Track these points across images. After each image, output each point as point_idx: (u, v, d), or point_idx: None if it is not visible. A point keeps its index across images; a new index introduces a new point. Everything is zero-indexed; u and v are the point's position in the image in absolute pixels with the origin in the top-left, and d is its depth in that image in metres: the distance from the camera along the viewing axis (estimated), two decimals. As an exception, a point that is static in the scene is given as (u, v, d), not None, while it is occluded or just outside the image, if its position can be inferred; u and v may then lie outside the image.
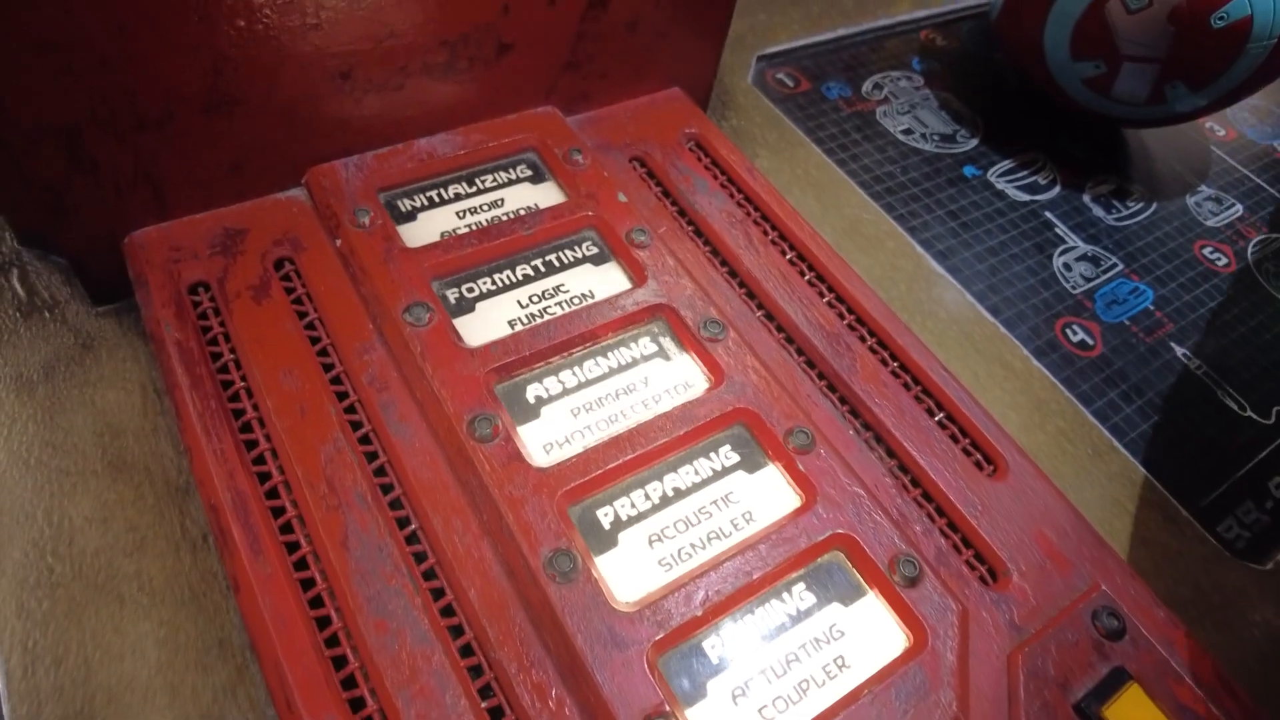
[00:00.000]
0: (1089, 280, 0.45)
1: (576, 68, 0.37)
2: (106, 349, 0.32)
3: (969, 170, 0.49)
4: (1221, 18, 0.43)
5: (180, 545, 0.27)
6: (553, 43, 0.36)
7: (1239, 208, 0.52)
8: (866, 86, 0.52)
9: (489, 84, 0.35)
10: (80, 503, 0.28)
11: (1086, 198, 0.50)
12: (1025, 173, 0.50)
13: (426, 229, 0.33)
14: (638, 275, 0.33)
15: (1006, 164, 0.50)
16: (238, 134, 0.31)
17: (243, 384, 0.28)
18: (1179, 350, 0.43)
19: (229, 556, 0.24)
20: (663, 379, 0.31)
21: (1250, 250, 0.50)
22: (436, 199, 0.34)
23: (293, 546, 0.25)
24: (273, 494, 0.26)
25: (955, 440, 0.31)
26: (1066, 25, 0.47)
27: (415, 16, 0.31)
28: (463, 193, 0.35)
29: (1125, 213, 0.50)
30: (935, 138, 0.50)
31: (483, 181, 0.35)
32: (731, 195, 0.38)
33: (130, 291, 0.32)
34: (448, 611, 0.25)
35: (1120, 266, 0.46)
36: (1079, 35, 0.47)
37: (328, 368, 0.29)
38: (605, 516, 0.27)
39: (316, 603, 0.24)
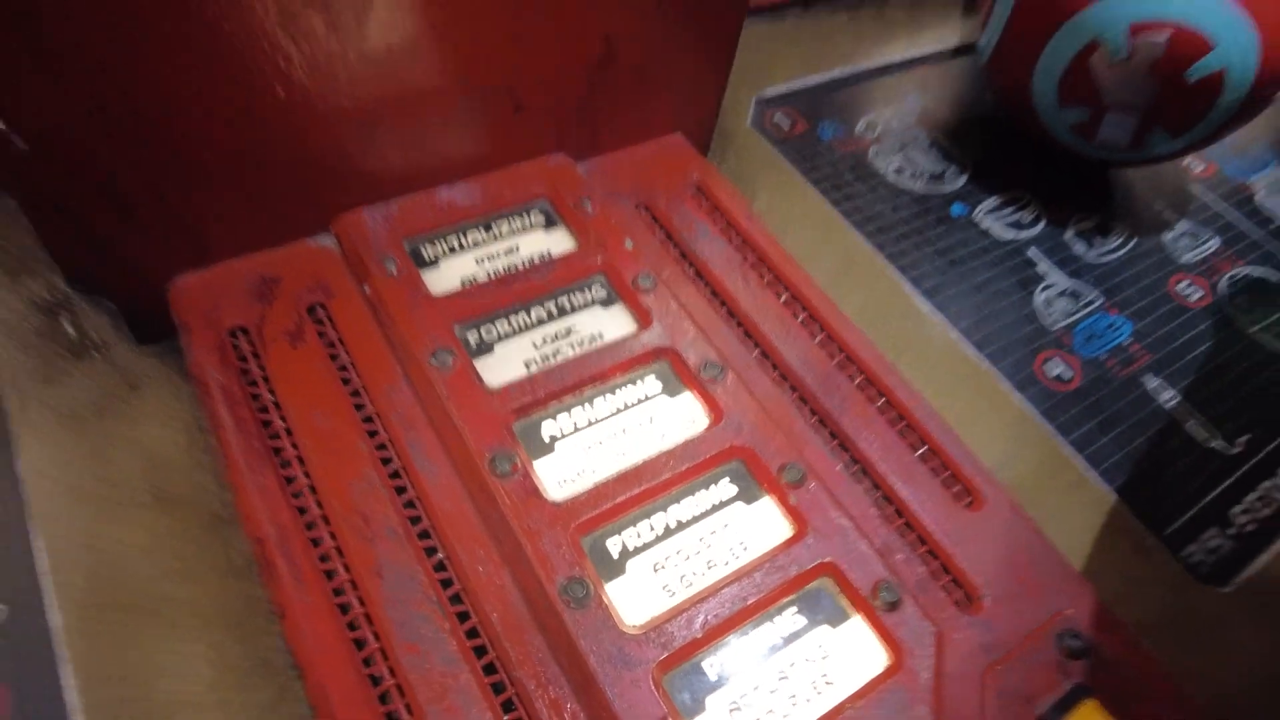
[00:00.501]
0: (1069, 315, 0.48)
1: (587, 118, 0.40)
2: (152, 388, 0.34)
3: (956, 208, 0.52)
4: (1198, 70, 0.46)
5: (225, 573, 0.30)
6: (565, 97, 0.38)
7: (1214, 243, 0.55)
8: (860, 126, 0.55)
9: (505, 135, 0.38)
10: (132, 533, 0.30)
11: (1069, 234, 0.53)
12: (1010, 210, 0.53)
13: (448, 275, 0.36)
14: (643, 318, 0.35)
15: (992, 202, 0.53)
16: (271, 185, 0.34)
17: (281, 424, 0.31)
18: (1153, 382, 0.46)
19: (274, 586, 0.27)
20: (667, 416, 0.33)
21: (1223, 284, 0.52)
22: (457, 245, 0.37)
23: (331, 575, 0.27)
24: (311, 527, 0.28)
25: (936, 473, 0.34)
26: (1054, 74, 0.49)
27: (437, 78, 0.34)
28: (481, 239, 0.37)
29: (1105, 249, 0.53)
30: (925, 176, 0.53)
31: (499, 228, 0.38)
32: (730, 240, 0.40)
33: (173, 331, 0.34)
34: (472, 634, 0.27)
35: (1099, 302, 0.49)
36: (1065, 84, 0.49)
37: (359, 408, 0.31)
38: (614, 546, 0.29)
39: (354, 627, 0.27)
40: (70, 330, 0.36)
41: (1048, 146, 0.54)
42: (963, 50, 0.64)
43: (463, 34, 0.33)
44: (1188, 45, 0.45)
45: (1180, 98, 0.47)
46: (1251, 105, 0.47)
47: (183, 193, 0.32)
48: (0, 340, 0.35)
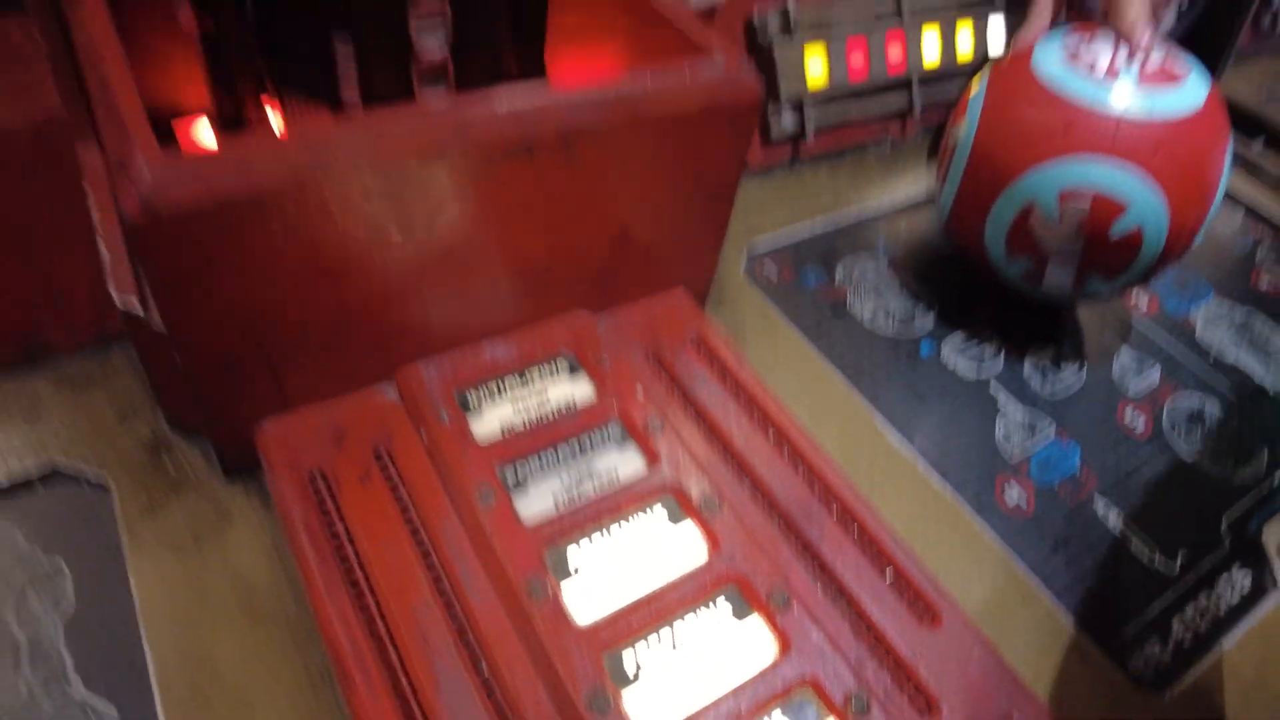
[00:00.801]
0: (1025, 446, 0.54)
1: (603, 281, 0.47)
2: (240, 517, 0.41)
3: (925, 347, 0.59)
4: (1119, 228, 0.54)
5: (305, 682, 0.35)
6: (587, 267, 0.46)
7: (1157, 374, 0.62)
8: (839, 274, 0.63)
9: (537, 298, 0.46)
10: (226, 646, 0.36)
11: (1026, 369, 0.60)
12: (973, 347, 0.60)
13: (490, 420, 0.43)
14: (652, 458, 0.42)
15: (957, 340, 0.60)
16: (347, 347, 0.41)
17: (353, 553, 0.37)
18: (1101, 506, 0.52)
19: (351, 695, 0.33)
20: (672, 545, 0.39)
21: (1165, 413, 0.59)
22: (497, 393, 0.44)
23: (397, 686, 0.33)
24: (380, 643, 0.34)
25: (902, 594, 0.40)
26: (1001, 231, 0.58)
27: (487, 262, 0.42)
28: (517, 387, 0.44)
29: (1059, 382, 0.59)
30: (896, 319, 0.60)
31: (532, 377, 0.45)
32: (725, 385, 0.47)
33: (257, 466, 0.41)
34: (512, 737, 0.33)
35: (1053, 432, 0.56)
36: (1011, 240, 0.57)
37: (418, 539, 0.38)
38: (629, 662, 0.35)
39: (416, 730, 0.32)
40: (170, 467, 0.43)
41: (1004, 290, 0.61)
42: (930, 200, 0.72)
43: (510, 232, 0.41)
44: (1107, 208, 0.53)
45: (1108, 250, 0.55)
46: (1171, 253, 0.55)
47: (279, 359, 0.39)
48: (116, 475, 0.42)
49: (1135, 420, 0.58)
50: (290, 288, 0.36)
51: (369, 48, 0.40)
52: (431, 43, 0.40)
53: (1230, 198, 0.83)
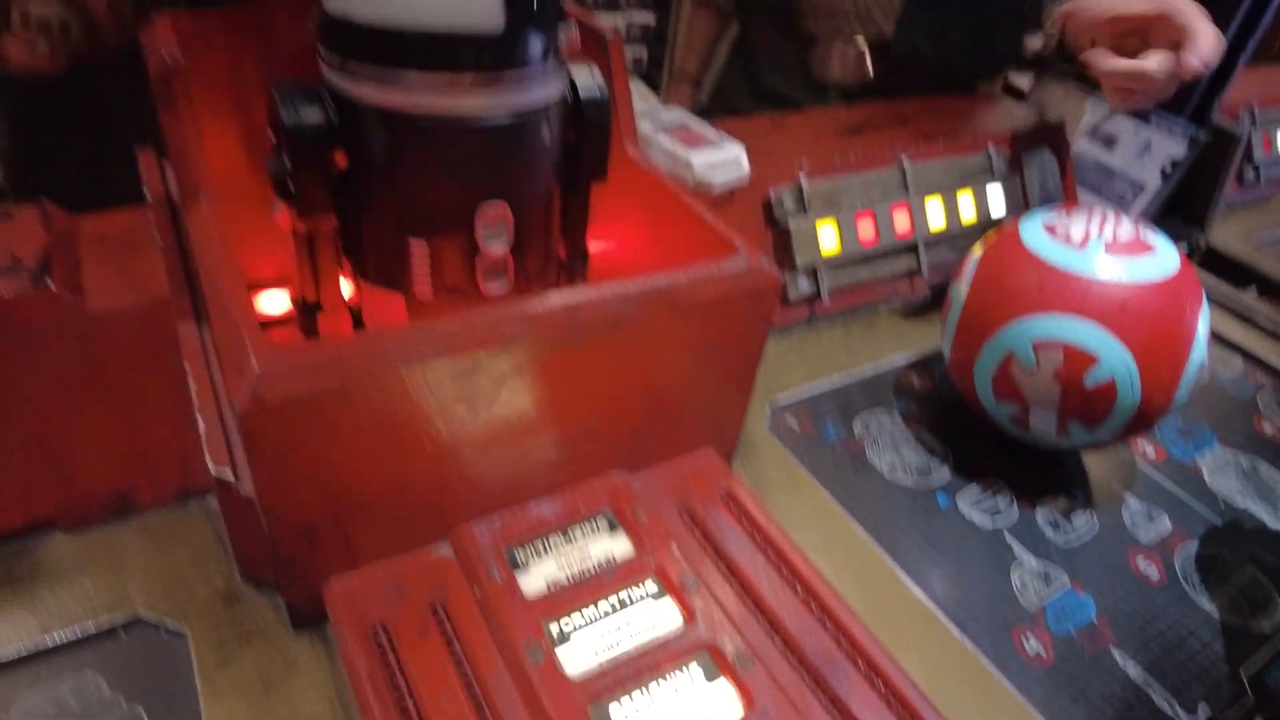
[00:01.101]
0: (1041, 596, 0.57)
1: (639, 442, 0.52)
2: (306, 666, 0.44)
3: (941, 499, 0.62)
4: (1091, 379, 0.58)
5: (366, 833, 0.38)
6: (623, 429, 0.51)
7: (1167, 522, 0.65)
8: (858, 427, 0.67)
9: (579, 460, 0.50)
10: (293, 796, 0.39)
11: (1039, 518, 0.63)
12: (987, 499, 0.63)
13: (537, 577, 0.46)
14: (688, 615, 0.45)
15: (972, 492, 0.64)
16: (409, 510, 0.45)
17: (413, 704, 0.40)
18: (1120, 656, 0.54)
19: (413, 847, 0.35)
20: (709, 703, 0.42)
21: (1178, 561, 0.61)
22: (544, 551, 0.48)
23: (454, 839, 0.36)
24: (438, 796, 0.37)
25: (927, 750, 0.42)
26: (988, 378, 0.63)
27: (538, 431, 0.46)
28: (561, 545, 0.48)
29: (1071, 530, 0.62)
30: (914, 471, 0.64)
31: (574, 535, 0.49)
32: (754, 540, 0.51)
33: (321, 618, 0.45)
34: None
35: (1067, 581, 0.58)
36: (997, 385, 0.63)
37: (471, 693, 0.41)
38: (670, 816, 0.37)
39: None
40: (243, 617, 0.46)
41: (1014, 442, 0.65)
42: (938, 354, 0.77)
43: (558, 404, 0.46)
44: (1078, 360, 0.58)
45: (1084, 399, 0.60)
46: (1153, 405, 0.59)
47: (350, 524, 0.43)
48: (192, 624, 0.46)
49: (1148, 569, 0.60)
50: (367, 462, 0.41)
51: (440, 249, 0.46)
52: (495, 245, 0.47)
53: (1228, 345, 0.88)
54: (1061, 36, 0.77)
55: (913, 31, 0.99)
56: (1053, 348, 0.59)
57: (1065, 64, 0.92)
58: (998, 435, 0.68)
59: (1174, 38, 0.70)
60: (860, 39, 1.01)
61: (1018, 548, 0.60)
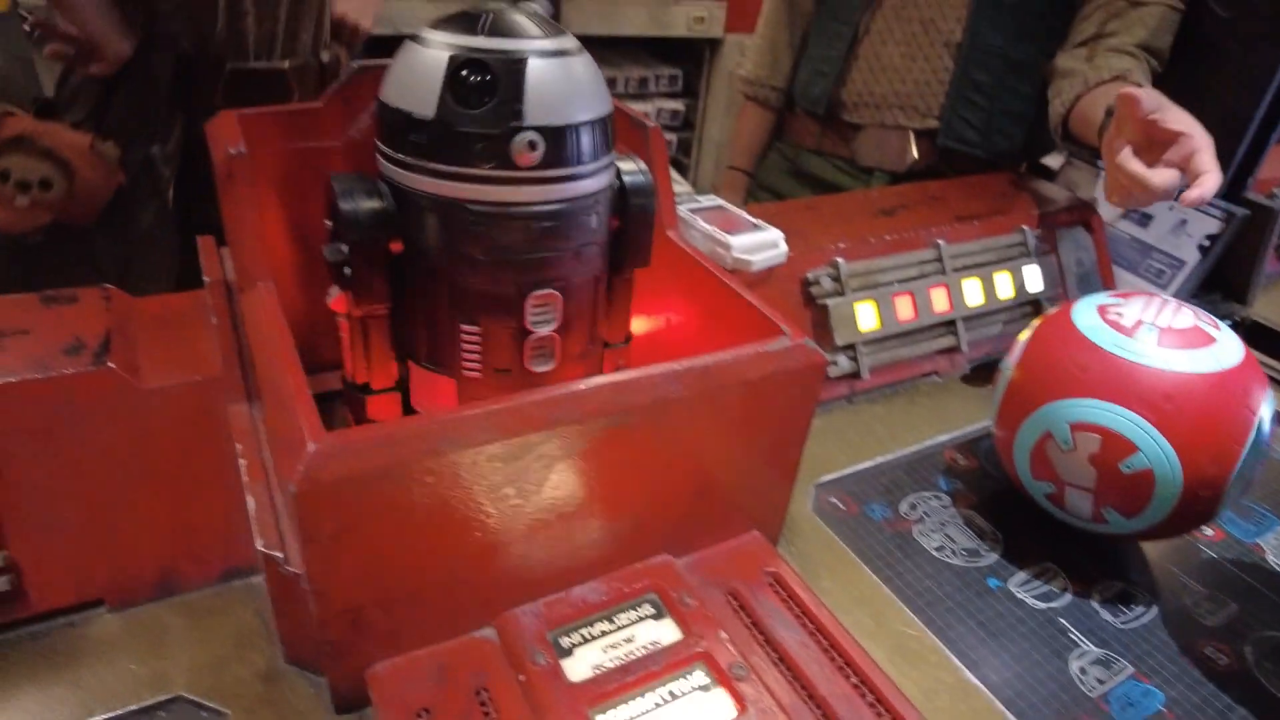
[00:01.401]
0: (1103, 683, 0.54)
1: (685, 527, 0.51)
2: (347, 757, 0.43)
3: (992, 582, 0.61)
4: (1127, 465, 0.57)
5: None
6: (670, 516, 0.50)
7: (1234, 607, 0.62)
8: (904, 507, 0.66)
9: (625, 544, 0.49)
10: None
11: (1095, 602, 0.60)
12: (1040, 582, 0.61)
13: (582, 662, 0.45)
14: (740, 705, 0.44)
15: (1024, 574, 0.62)
16: (454, 597, 0.45)
17: (457, 799, 0.39)
18: (1190, 752, 0.51)
19: None
20: (761, 796, 0.40)
21: (1249, 649, 0.59)
22: (588, 636, 0.47)
23: None
24: None
25: None
26: (1026, 454, 0.62)
27: (586, 516, 0.46)
28: (607, 629, 0.47)
29: (1130, 615, 0.60)
30: (963, 553, 0.63)
31: (619, 620, 0.48)
32: (804, 626, 0.50)
33: (363, 702, 0.44)
34: None
35: (1130, 669, 0.56)
36: (1034, 463, 0.62)
37: (517, 786, 0.40)
38: None
39: None
40: (286, 698, 0.46)
41: (1051, 516, 0.64)
42: (987, 429, 0.76)
43: (605, 487, 0.46)
44: (1116, 445, 0.57)
45: (1120, 485, 0.58)
46: (1198, 498, 0.57)
47: (398, 608, 0.43)
48: (233, 705, 0.45)
49: (1216, 656, 0.58)
50: (416, 544, 0.41)
51: (491, 332, 0.47)
52: (544, 326, 0.47)
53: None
54: (1107, 115, 0.79)
55: (959, 121, 1.02)
56: (1090, 431, 0.58)
57: (1071, 144, 0.94)
58: (1048, 517, 0.66)
59: (1185, 162, 0.72)
60: (905, 127, 1.05)
61: (1075, 632, 0.58)
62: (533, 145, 0.43)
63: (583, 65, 0.46)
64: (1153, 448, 0.56)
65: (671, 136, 2.94)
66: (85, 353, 0.50)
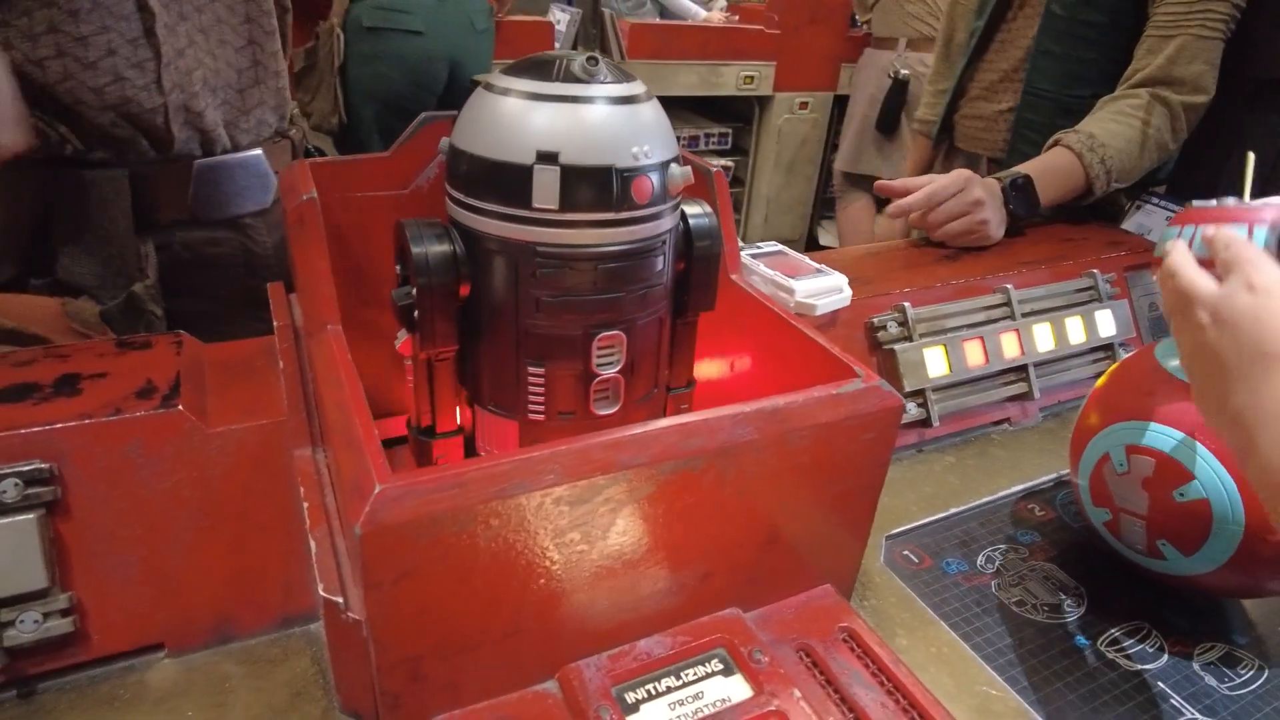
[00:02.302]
0: (1211, 758, 0.50)
1: (754, 579, 0.49)
2: (405, 816, 0.41)
3: (1079, 640, 0.57)
4: (1181, 494, 0.54)
5: None
6: (739, 567, 0.48)
7: (1350, 674, 0.57)
8: (980, 560, 0.62)
9: (693, 597, 0.47)
10: None
11: (1195, 665, 0.56)
12: (1132, 641, 0.57)
13: (648, 719, 0.43)
14: (816, 769, 0.41)
15: (1114, 632, 0.58)
16: (516, 649, 0.43)
17: None
18: (1315, 837, 0.46)
19: None
20: None
21: (1372, 720, 0.54)
22: (655, 692, 0.45)
23: None
24: None
25: None
26: (1087, 479, 0.60)
27: (653, 566, 0.44)
28: (673, 685, 0.45)
29: (1237, 680, 0.55)
30: (1045, 608, 0.59)
31: (686, 675, 0.46)
32: (882, 685, 0.47)
33: (422, 761, 0.42)
34: None
35: (1241, 741, 0.51)
36: (1093, 487, 0.60)
37: None
38: None
39: None
40: (342, 756, 0.44)
41: (1141, 571, 0.60)
42: (1062, 478, 0.73)
43: (675, 535, 0.44)
44: (1171, 472, 0.54)
45: (1173, 515, 0.55)
46: (1262, 539, 0.52)
47: (458, 659, 0.41)
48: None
49: (1335, 730, 0.53)
50: (480, 590, 0.40)
51: (556, 374, 0.46)
52: (608, 369, 0.47)
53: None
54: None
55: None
56: (1145, 455, 0.56)
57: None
58: (1136, 570, 0.62)
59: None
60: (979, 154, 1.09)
61: (1176, 698, 0.53)
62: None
63: (650, 110, 0.46)
64: (1210, 477, 0.53)
65: (721, 191, 2.96)
66: (155, 395, 0.51)
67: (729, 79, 2.73)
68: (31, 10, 0.66)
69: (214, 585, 0.51)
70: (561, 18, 2.52)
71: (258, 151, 0.81)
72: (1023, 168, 0.95)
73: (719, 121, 2.98)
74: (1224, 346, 0.42)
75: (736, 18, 2.96)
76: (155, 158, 0.74)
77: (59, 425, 0.47)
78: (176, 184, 0.76)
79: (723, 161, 2.91)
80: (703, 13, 3.03)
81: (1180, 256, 0.48)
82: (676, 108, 2.93)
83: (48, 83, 0.68)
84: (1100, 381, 0.63)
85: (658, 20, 2.88)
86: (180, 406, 0.50)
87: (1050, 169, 0.95)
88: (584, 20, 1.96)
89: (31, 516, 0.46)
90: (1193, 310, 0.44)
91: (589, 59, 0.44)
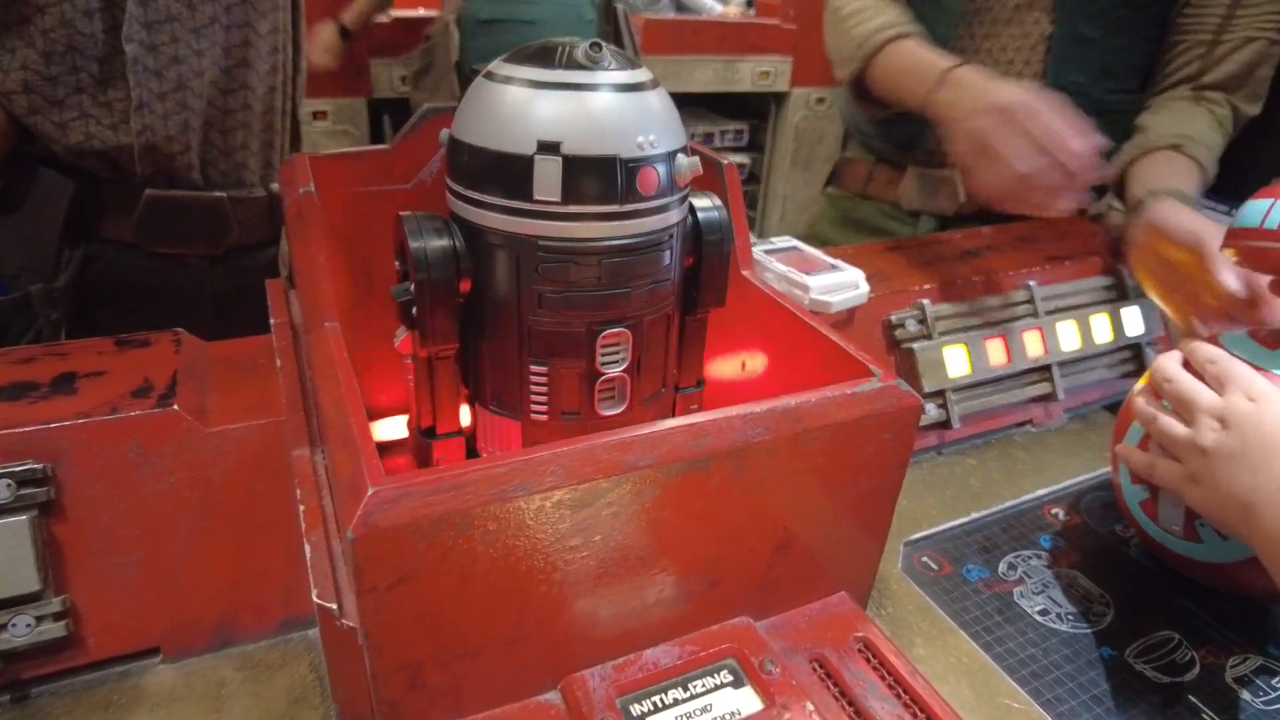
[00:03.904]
0: (1246, 776, 0.48)
1: (766, 587, 0.47)
2: (401, 830, 0.40)
3: (1105, 651, 0.54)
4: None
5: None
6: (750, 574, 0.46)
7: (1392, 690, 0.54)
8: (1002, 567, 0.60)
9: (701, 605, 0.46)
10: None
11: (1228, 678, 0.54)
12: (1161, 651, 0.55)
13: (654, 733, 0.42)
14: (829, 787, 0.39)
15: (1141, 642, 0.55)
16: (518, 658, 0.42)
17: None
18: None
19: None
20: None
21: None
22: (661, 704, 0.43)
23: None
24: None
25: None
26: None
27: (659, 571, 0.43)
28: (680, 697, 0.43)
29: (1272, 695, 0.53)
30: (1070, 617, 0.57)
31: (695, 687, 0.44)
32: (898, 697, 0.45)
33: (421, 773, 0.41)
34: None
35: (1277, 759, 0.49)
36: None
37: None
38: None
39: None
40: (339, 767, 0.43)
41: (1187, 583, 0.57)
42: (1089, 482, 0.70)
43: (683, 540, 0.42)
44: None
45: None
46: None
47: (457, 667, 0.40)
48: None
49: (1377, 748, 0.50)
50: (478, 597, 0.38)
51: (559, 373, 0.45)
52: (614, 368, 0.45)
53: None
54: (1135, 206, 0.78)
55: None
56: None
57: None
58: (1170, 580, 0.60)
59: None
60: (949, 170, 0.99)
61: (1207, 712, 0.51)
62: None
63: (656, 98, 0.44)
64: None
65: (737, 189, 2.93)
66: (152, 395, 0.50)
67: (745, 75, 2.70)
68: (16, 48, 0.67)
69: (212, 588, 0.50)
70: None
71: (221, 195, 0.79)
72: (1175, 183, 0.78)
73: (735, 118, 2.95)
74: (1233, 446, 0.49)
75: (753, 11, 2.93)
76: (112, 178, 0.74)
77: (53, 425, 0.46)
78: (125, 206, 0.75)
79: (739, 158, 2.88)
80: (719, 7, 3.00)
81: (1174, 367, 0.55)
82: (692, 104, 2.90)
83: (14, 114, 0.69)
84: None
85: (672, 15, 2.86)
86: (176, 406, 0.49)
87: (1194, 186, 0.81)
88: (597, 16, 1.95)
89: (24, 518, 0.45)
90: (1199, 416, 0.52)
91: (593, 45, 0.42)
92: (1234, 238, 0.56)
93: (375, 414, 0.64)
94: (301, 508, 0.48)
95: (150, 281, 0.79)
